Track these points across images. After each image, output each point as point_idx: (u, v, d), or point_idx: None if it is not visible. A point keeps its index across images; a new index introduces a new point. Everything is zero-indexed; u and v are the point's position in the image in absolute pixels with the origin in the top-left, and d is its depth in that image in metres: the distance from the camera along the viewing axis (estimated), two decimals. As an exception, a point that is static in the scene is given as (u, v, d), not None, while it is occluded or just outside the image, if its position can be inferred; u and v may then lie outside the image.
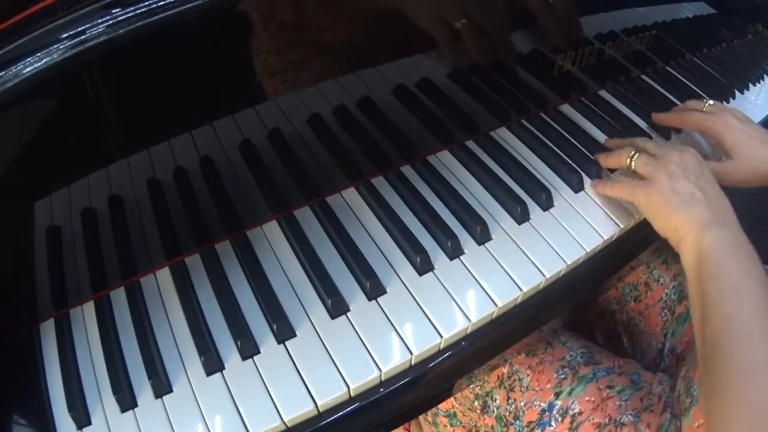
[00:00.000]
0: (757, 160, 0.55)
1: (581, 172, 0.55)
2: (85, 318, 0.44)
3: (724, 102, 0.73)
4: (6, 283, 0.41)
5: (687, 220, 0.45)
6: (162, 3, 0.33)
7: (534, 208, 0.51)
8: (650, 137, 0.61)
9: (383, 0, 0.43)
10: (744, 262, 0.42)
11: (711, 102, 0.60)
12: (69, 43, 0.31)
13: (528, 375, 0.56)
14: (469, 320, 0.43)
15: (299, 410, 0.38)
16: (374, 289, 0.44)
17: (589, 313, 0.73)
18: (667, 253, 0.67)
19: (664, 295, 0.64)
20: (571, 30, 0.57)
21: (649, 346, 0.64)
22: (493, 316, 0.45)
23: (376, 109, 0.49)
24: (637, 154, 0.52)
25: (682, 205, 0.46)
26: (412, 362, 0.42)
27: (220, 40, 0.38)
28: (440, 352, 0.43)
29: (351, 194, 0.52)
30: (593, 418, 0.51)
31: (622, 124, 0.63)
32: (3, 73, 0.31)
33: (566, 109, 0.64)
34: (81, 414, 0.39)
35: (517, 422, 0.55)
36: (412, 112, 0.51)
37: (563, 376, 0.55)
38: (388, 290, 0.44)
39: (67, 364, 0.41)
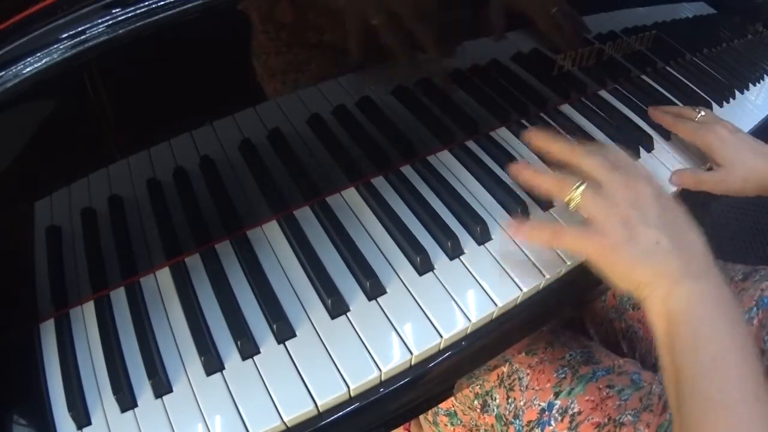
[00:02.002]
0: (747, 170, 0.54)
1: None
2: (85, 318, 0.44)
3: (724, 102, 0.73)
4: (6, 283, 0.41)
5: (652, 275, 0.38)
6: (162, 3, 0.33)
7: (534, 209, 0.51)
8: (650, 138, 0.61)
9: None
10: (724, 324, 0.36)
11: (703, 113, 0.59)
12: (69, 43, 0.31)
13: (528, 374, 0.56)
14: (469, 320, 0.43)
15: (299, 410, 0.38)
16: (374, 289, 0.44)
17: (588, 321, 0.73)
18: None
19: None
20: (575, 33, 0.57)
21: (648, 353, 0.64)
22: (493, 316, 0.45)
23: (376, 109, 0.49)
24: (582, 186, 0.41)
25: (644, 256, 0.38)
26: (412, 362, 0.42)
27: (220, 41, 0.38)
28: (440, 352, 0.43)
29: (351, 194, 0.52)
30: (593, 418, 0.51)
31: (622, 123, 0.63)
32: (3, 73, 0.31)
33: (566, 109, 0.64)
34: (81, 414, 0.39)
35: (517, 421, 0.55)
36: (412, 112, 0.51)
37: (563, 376, 0.55)
38: (388, 290, 0.44)
39: (67, 364, 0.41)
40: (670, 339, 0.36)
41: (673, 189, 0.57)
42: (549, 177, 0.44)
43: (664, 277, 0.38)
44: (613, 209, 0.40)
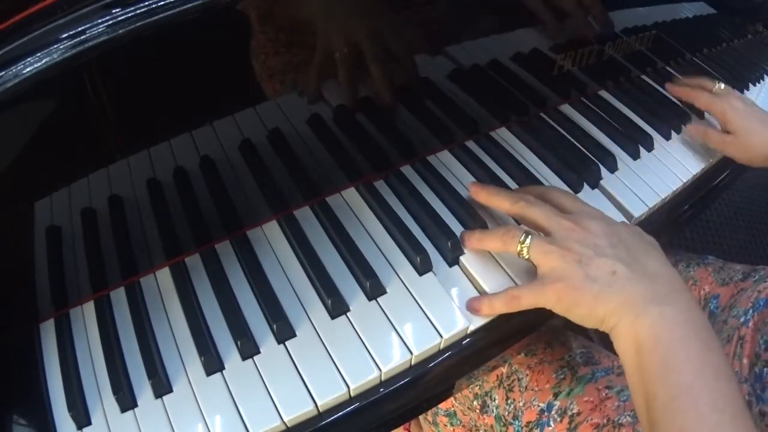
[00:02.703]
0: (756, 139, 0.58)
1: (578, 173, 0.55)
2: (85, 318, 0.44)
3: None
4: (6, 283, 0.41)
5: (616, 307, 0.37)
6: (162, 3, 0.33)
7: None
8: (650, 138, 0.61)
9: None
10: (695, 347, 0.34)
11: (721, 85, 0.63)
12: (69, 43, 0.31)
13: (527, 375, 0.56)
14: (469, 320, 0.43)
15: (299, 410, 0.38)
16: (374, 289, 0.44)
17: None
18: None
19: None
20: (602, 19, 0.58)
21: None
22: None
23: (376, 109, 0.49)
24: (529, 239, 0.41)
25: (603, 290, 0.37)
26: (412, 362, 0.42)
27: (220, 41, 0.38)
28: (440, 352, 0.43)
29: (351, 194, 0.52)
30: (591, 419, 0.51)
31: (622, 123, 0.63)
32: (3, 73, 0.31)
33: (566, 109, 0.64)
34: (81, 414, 0.39)
35: (516, 422, 0.55)
36: (412, 112, 0.51)
37: (562, 377, 0.55)
38: (388, 290, 0.44)
39: (67, 364, 0.41)
40: (641, 367, 0.36)
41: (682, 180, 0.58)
42: (493, 236, 0.44)
43: (628, 305, 0.37)
44: (565, 254, 0.39)
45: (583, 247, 0.39)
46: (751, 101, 0.62)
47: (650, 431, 0.34)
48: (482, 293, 0.45)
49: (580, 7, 0.55)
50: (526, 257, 0.41)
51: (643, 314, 0.36)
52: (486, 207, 0.49)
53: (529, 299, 0.40)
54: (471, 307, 0.43)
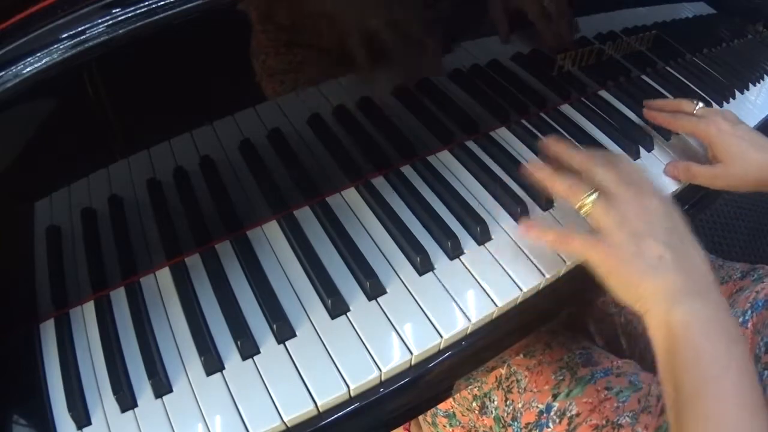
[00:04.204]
0: (747, 164, 0.53)
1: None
2: (85, 318, 0.44)
3: (724, 102, 0.73)
4: (6, 283, 0.41)
5: (654, 291, 0.38)
6: (162, 3, 0.33)
7: (534, 209, 0.51)
8: (650, 138, 0.61)
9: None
10: (724, 343, 0.36)
11: (701, 105, 0.58)
12: (69, 43, 0.31)
13: (526, 376, 0.56)
14: (469, 320, 0.43)
15: (299, 410, 0.38)
16: (374, 289, 0.44)
17: (588, 317, 0.73)
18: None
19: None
20: (564, 29, 0.57)
21: (647, 349, 0.64)
22: (493, 316, 0.45)
23: (375, 109, 0.49)
24: (595, 195, 0.42)
25: (648, 271, 0.38)
26: (412, 362, 0.42)
27: (220, 41, 0.38)
28: (440, 352, 0.43)
29: (351, 194, 0.52)
30: (591, 420, 0.51)
31: (622, 123, 0.63)
32: (3, 73, 0.31)
33: (566, 109, 0.64)
34: (81, 414, 0.39)
35: (515, 423, 0.55)
36: (412, 112, 0.51)
37: (561, 378, 0.55)
38: (388, 290, 0.44)
39: (67, 364, 0.41)
40: (671, 355, 0.37)
41: (673, 187, 0.57)
42: (563, 182, 0.44)
43: (666, 293, 0.38)
44: (623, 222, 0.40)
45: (640, 223, 0.40)
46: (736, 118, 0.56)
47: (677, 418, 0.35)
48: (482, 293, 0.45)
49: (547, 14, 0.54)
50: (584, 212, 0.42)
51: (678, 304, 0.37)
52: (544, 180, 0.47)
53: (578, 246, 0.42)
54: (523, 228, 0.45)
